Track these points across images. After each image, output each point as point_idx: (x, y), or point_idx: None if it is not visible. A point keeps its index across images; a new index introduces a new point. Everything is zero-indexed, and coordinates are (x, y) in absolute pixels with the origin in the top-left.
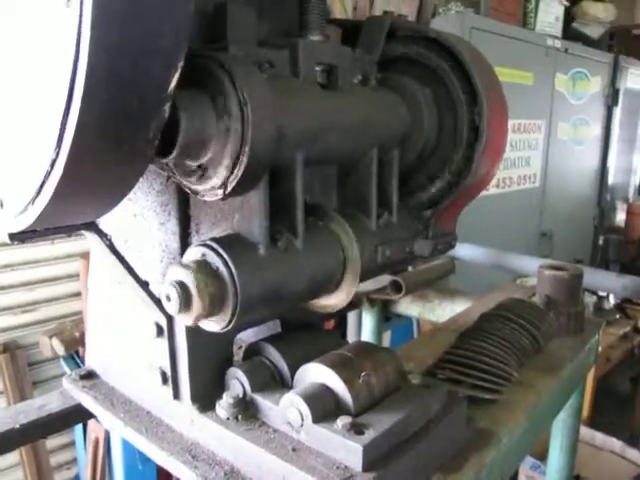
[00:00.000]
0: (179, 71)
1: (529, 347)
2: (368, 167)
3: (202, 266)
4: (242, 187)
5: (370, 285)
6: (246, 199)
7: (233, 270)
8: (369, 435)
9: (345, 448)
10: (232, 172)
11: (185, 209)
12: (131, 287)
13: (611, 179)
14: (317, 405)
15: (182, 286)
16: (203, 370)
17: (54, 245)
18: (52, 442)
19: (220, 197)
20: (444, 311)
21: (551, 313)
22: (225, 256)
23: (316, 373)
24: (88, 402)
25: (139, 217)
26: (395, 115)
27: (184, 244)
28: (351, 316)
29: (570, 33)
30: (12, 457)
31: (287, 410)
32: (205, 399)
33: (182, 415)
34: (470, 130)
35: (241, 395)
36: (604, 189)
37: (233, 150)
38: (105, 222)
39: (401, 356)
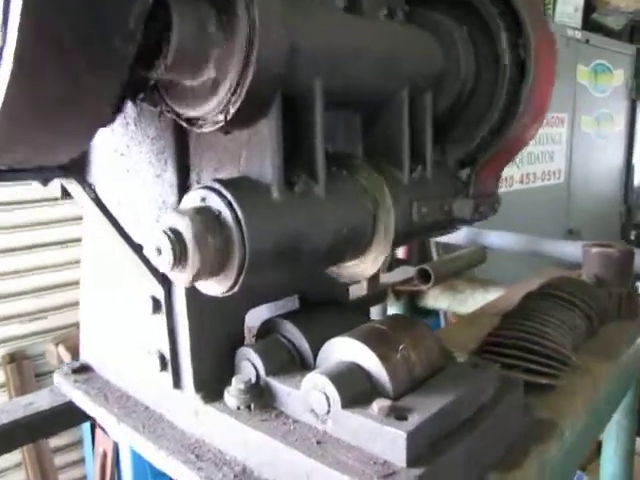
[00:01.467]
0: None
1: (583, 328)
2: (398, 110)
3: (201, 211)
4: (248, 113)
5: (396, 276)
6: (255, 131)
7: (239, 214)
8: (413, 421)
9: (383, 438)
10: (236, 90)
11: (184, 157)
12: (123, 253)
13: (637, 175)
14: (347, 387)
15: (176, 234)
16: (208, 352)
17: (63, 250)
18: (55, 441)
19: (221, 126)
20: (476, 302)
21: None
22: (229, 197)
23: (344, 349)
24: (80, 398)
25: (132, 172)
26: (427, 52)
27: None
28: (375, 311)
29: (590, 24)
30: (14, 457)
31: (310, 394)
32: (211, 387)
33: (184, 407)
34: (513, 68)
35: (254, 380)
36: (630, 185)
37: (236, 60)
38: (94, 179)
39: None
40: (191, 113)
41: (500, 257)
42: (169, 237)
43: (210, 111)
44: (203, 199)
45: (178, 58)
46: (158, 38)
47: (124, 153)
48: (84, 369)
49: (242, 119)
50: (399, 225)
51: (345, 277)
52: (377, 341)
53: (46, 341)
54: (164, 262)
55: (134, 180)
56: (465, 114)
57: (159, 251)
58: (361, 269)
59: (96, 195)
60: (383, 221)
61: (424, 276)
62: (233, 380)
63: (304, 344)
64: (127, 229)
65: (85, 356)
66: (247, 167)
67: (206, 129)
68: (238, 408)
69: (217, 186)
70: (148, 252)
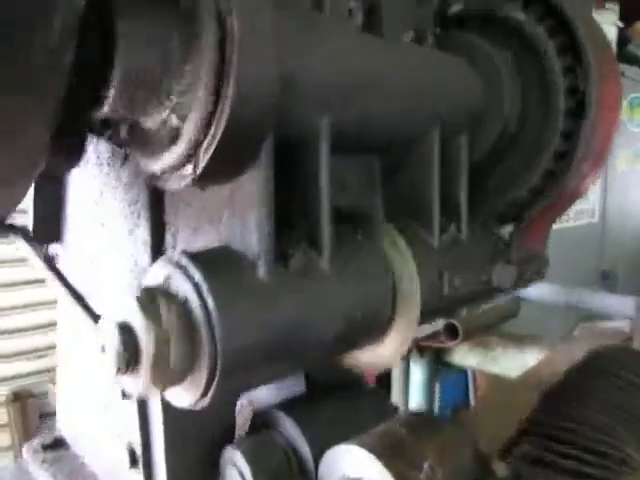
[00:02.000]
0: None
1: None
2: (427, 156)
3: (158, 296)
4: (226, 165)
5: (420, 330)
6: (237, 185)
7: (210, 305)
8: None
9: None
10: (204, 139)
11: (159, 211)
12: (87, 325)
13: None
14: None
15: (125, 331)
16: (187, 448)
17: None
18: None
19: (190, 181)
20: (511, 362)
21: None
22: (198, 279)
23: (352, 462)
24: None
25: (105, 225)
26: (463, 84)
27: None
28: (396, 372)
29: (625, 56)
30: None
31: None
32: None
33: None
34: (570, 102)
35: None
36: None
37: (202, 98)
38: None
39: (468, 424)
40: (151, 164)
41: (531, 308)
42: (116, 334)
43: (173, 164)
44: (167, 279)
45: (124, 91)
46: (102, 62)
47: (97, 201)
48: (57, 444)
49: (218, 174)
50: (426, 300)
51: (359, 365)
52: (393, 453)
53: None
54: (109, 365)
55: (106, 235)
56: (508, 159)
57: (103, 349)
58: (381, 356)
59: (49, 257)
60: (406, 299)
61: (451, 331)
62: None
63: (304, 446)
64: (93, 296)
65: (61, 427)
66: (229, 233)
67: (171, 186)
68: None
69: (184, 262)
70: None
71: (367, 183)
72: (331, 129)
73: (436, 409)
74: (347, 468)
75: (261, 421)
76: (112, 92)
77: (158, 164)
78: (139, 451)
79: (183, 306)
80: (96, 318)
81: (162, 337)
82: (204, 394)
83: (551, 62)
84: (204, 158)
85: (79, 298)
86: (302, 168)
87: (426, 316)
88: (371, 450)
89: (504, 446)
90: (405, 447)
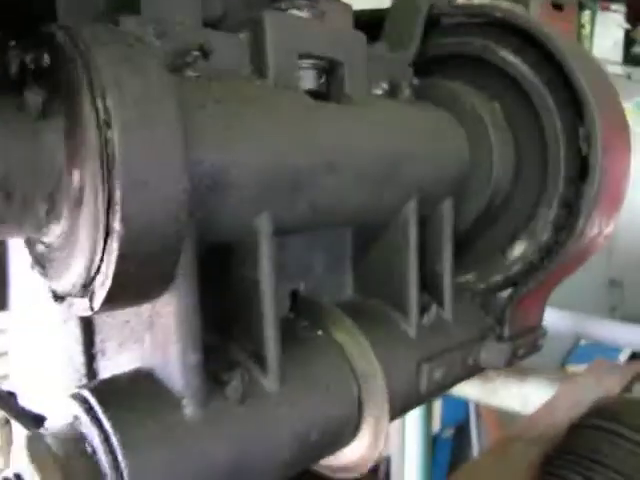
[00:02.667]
0: None
1: None
2: (402, 232)
3: (62, 445)
4: (128, 294)
5: None
6: (155, 311)
7: (119, 456)
8: None
9: None
10: (98, 266)
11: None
12: None
13: None
14: None
15: None
16: None
17: None
18: None
19: (90, 312)
20: (510, 394)
21: None
22: (106, 426)
23: None
24: None
25: (44, 309)
26: (445, 144)
27: (90, 369)
28: None
29: (631, 58)
30: None
31: None
32: None
33: None
34: (571, 165)
35: None
36: None
37: (91, 218)
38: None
39: None
40: (53, 284)
41: None
42: None
43: (69, 290)
44: (76, 420)
45: None
46: None
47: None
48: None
49: (121, 302)
50: (400, 398)
51: (334, 474)
52: None
53: None
54: None
55: (44, 318)
56: (499, 224)
57: None
58: (352, 462)
59: None
60: (373, 406)
61: None
62: None
63: None
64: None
65: None
66: (152, 359)
67: (76, 311)
68: None
69: (93, 404)
70: None
71: (335, 262)
72: (274, 225)
73: (436, 429)
74: None
75: None
76: None
77: (56, 285)
78: None
79: (90, 458)
80: (28, 419)
81: None
82: None
83: (549, 119)
84: (101, 291)
85: (5, 398)
86: (240, 275)
87: (400, 412)
88: None
89: None
90: None
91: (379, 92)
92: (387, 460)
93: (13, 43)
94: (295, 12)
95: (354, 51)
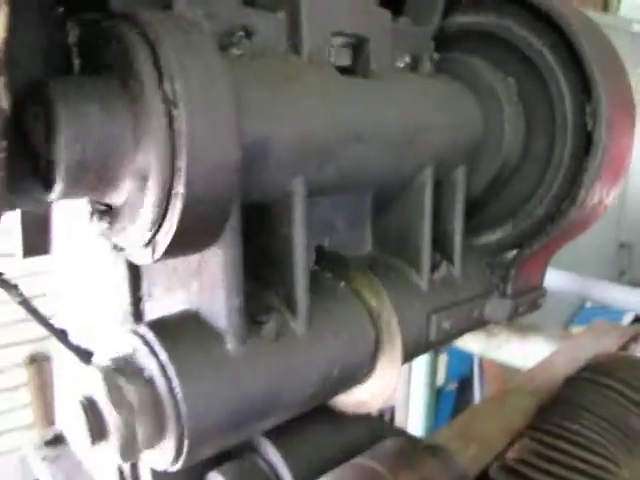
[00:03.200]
0: None
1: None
2: (418, 197)
3: (124, 371)
4: (185, 245)
5: None
6: (204, 260)
7: (174, 381)
8: None
9: None
10: (161, 222)
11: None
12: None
13: None
14: None
15: (92, 404)
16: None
17: None
18: None
19: (151, 261)
20: (513, 348)
21: None
22: (162, 356)
23: None
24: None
25: (91, 251)
26: (461, 116)
27: (137, 310)
28: None
29: None
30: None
31: None
32: None
33: None
34: (577, 139)
35: None
36: None
37: (157, 184)
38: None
39: (459, 431)
40: (114, 237)
41: None
42: (84, 409)
43: (133, 242)
44: (134, 352)
45: (70, 180)
46: (46, 147)
47: (82, 226)
48: (57, 441)
49: (178, 253)
50: (411, 345)
51: (348, 410)
52: None
53: None
54: (80, 435)
55: (91, 260)
56: (508, 191)
57: (75, 423)
58: (366, 400)
59: (24, 298)
60: (388, 349)
61: None
62: None
63: (285, 475)
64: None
65: (59, 425)
66: (199, 301)
67: (134, 260)
68: None
69: (150, 338)
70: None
71: (356, 221)
72: (307, 190)
73: (440, 382)
74: None
75: (245, 445)
76: (58, 177)
77: (119, 239)
78: (127, 472)
79: (149, 383)
80: (80, 353)
81: (126, 414)
82: (175, 462)
83: (560, 95)
84: (163, 243)
85: (61, 335)
86: (276, 231)
87: (411, 356)
88: None
89: (498, 459)
90: None
91: (402, 65)
92: (391, 409)
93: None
94: None
95: (380, 27)
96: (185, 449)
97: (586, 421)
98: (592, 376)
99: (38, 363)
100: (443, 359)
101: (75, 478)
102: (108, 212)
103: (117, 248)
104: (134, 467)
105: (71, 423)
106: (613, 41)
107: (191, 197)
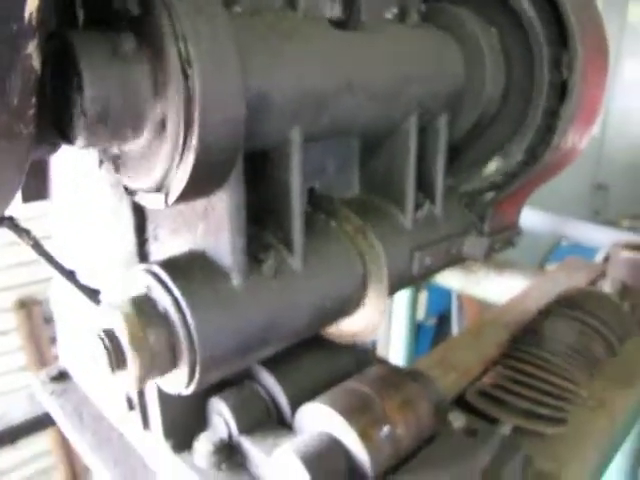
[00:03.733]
0: None
1: (601, 355)
2: (403, 142)
3: (141, 307)
4: (196, 190)
5: None
6: (210, 203)
7: (187, 315)
8: None
9: None
10: (175, 169)
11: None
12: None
13: None
14: (320, 469)
15: (111, 337)
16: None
17: None
18: None
19: (164, 206)
20: (491, 285)
21: (626, 305)
22: (177, 294)
23: (320, 418)
24: (56, 413)
25: (94, 194)
26: (445, 65)
27: (142, 251)
28: None
29: None
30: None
31: (281, 470)
32: (181, 435)
33: (156, 449)
34: (553, 88)
35: (226, 436)
36: None
37: (173, 136)
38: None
39: (440, 361)
40: (126, 182)
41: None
42: (104, 342)
43: (146, 189)
44: (149, 289)
45: (94, 127)
46: (68, 100)
47: (85, 173)
48: (62, 376)
49: (188, 196)
50: (396, 279)
51: (340, 340)
52: (358, 411)
53: None
54: (102, 366)
55: (94, 203)
56: (487, 136)
57: (95, 357)
58: (356, 331)
59: (36, 242)
60: (375, 284)
61: None
62: (202, 437)
63: (282, 398)
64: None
65: (63, 362)
66: (205, 241)
67: (147, 204)
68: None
69: (163, 277)
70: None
71: (345, 165)
72: (303, 137)
73: (421, 317)
74: (317, 423)
75: (244, 373)
76: (81, 127)
77: (132, 184)
78: (135, 399)
79: (163, 317)
80: (88, 292)
81: (143, 342)
82: (187, 386)
83: (538, 44)
84: (176, 189)
85: (70, 275)
86: (275, 177)
87: (396, 289)
88: (338, 408)
89: (474, 384)
90: (369, 405)
91: (390, 16)
92: (373, 343)
93: None
94: None
95: None
96: (197, 375)
97: (553, 348)
98: (560, 308)
99: (28, 307)
100: (423, 295)
101: (82, 408)
102: (120, 159)
103: (129, 193)
104: (142, 396)
105: (89, 356)
106: None
107: (203, 146)
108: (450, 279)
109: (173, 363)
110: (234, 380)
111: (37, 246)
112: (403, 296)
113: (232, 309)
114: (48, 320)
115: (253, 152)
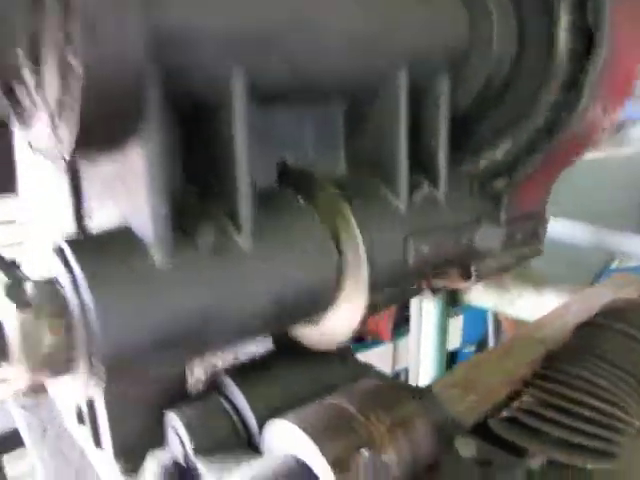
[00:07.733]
0: None
1: None
2: (393, 103)
3: (35, 284)
4: (97, 138)
5: None
6: (125, 158)
7: (86, 297)
8: None
9: None
10: (62, 113)
11: (75, 177)
12: None
13: None
14: None
15: None
16: (131, 409)
17: None
18: None
19: (65, 157)
20: (527, 304)
21: None
22: (77, 273)
23: (288, 437)
24: (22, 429)
25: (43, 180)
26: (441, 12)
27: (80, 228)
28: (414, 303)
29: None
30: None
31: None
32: (135, 454)
33: (110, 471)
34: (577, 40)
35: (181, 457)
36: None
37: (51, 63)
38: None
39: (461, 380)
40: (34, 143)
41: (558, 247)
42: None
43: (41, 138)
44: (51, 267)
45: None
46: None
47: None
48: (37, 388)
49: (92, 146)
50: (385, 270)
51: (311, 343)
52: (333, 432)
53: None
54: None
55: (43, 191)
56: (500, 105)
57: None
58: (327, 333)
59: None
60: (354, 273)
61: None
62: (152, 457)
63: (248, 414)
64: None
65: None
66: (126, 212)
67: (49, 159)
68: None
69: (66, 252)
70: None
71: (327, 139)
72: (248, 84)
73: (457, 344)
74: (285, 443)
75: (213, 384)
76: None
77: (28, 135)
78: (84, 409)
79: (62, 301)
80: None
81: (33, 337)
82: (93, 389)
83: None
84: (69, 139)
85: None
86: (217, 132)
87: (389, 282)
88: (307, 428)
89: (499, 403)
90: (349, 425)
91: None
92: (406, 371)
93: None
94: None
95: None
96: (102, 375)
97: (595, 367)
98: (605, 321)
99: None
100: (458, 321)
101: (48, 425)
102: (24, 114)
103: (33, 149)
104: (91, 408)
105: None
106: None
107: (91, 76)
108: (484, 299)
109: (71, 355)
110: (200, 392)
111: None
112: (431, 321)
113: (152, 292)
114: None
115: (197, 103)
